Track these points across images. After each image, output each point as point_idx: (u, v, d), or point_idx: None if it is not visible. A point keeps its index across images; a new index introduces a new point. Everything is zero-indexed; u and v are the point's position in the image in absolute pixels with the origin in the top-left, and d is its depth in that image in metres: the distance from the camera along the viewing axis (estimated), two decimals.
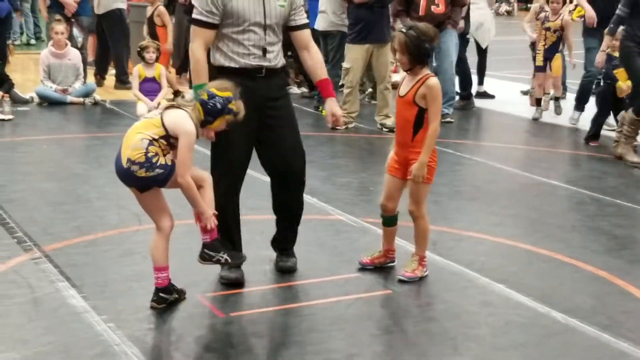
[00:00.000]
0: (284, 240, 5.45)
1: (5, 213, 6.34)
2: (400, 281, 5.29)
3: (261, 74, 5.03)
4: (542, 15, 11.32)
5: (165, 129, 4.54)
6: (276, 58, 5.09)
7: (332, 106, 5.25)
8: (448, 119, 11.06)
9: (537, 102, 11.66)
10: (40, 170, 7.94)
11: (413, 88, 5.17)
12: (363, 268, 5.43)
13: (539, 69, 11.51)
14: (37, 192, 7.08)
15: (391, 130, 10.13)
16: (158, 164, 4.53)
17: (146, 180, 4.56)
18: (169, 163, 4.56)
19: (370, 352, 4.37)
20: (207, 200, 4.71)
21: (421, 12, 10.70)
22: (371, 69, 10.79)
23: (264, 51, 5.01)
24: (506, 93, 13.76)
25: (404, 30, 5.12)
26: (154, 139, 4.53)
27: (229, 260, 4.78)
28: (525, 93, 13.33)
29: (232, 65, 4.99)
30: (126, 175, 4.58)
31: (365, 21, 10.11)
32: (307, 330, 4.59)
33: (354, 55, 10.29)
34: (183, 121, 4.55)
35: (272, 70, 5.08)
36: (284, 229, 5.44)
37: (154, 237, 4.75)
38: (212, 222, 4.71)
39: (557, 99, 11.81)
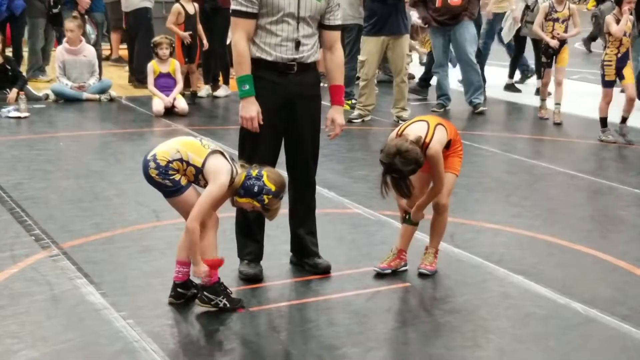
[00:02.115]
0: (310, 245, 5.36)
1: (23, 211, 6.35)
2: (422, 275, 5.27)
3: (293, 71, 5.01)
4: (609, 17, 9.50)
5: (203, 166, 4.52)
6: (309, 51, 5.04)
7: (335, 114, 5.19)
8: (481, 109, 11.06)
9: (604, 123, 9.68)
10: (58, 167, 7.95)
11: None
12: (382, 274, 5.26)
13: (608, 84, 9.58)
14: (54, 189, 7.10)
15: None
16: (171, 177, 4.51)
17: (154, 182, 4.56)
18: (183, 183, 4.54)
19: (390, 346, 4.37)
20: (206, 243, 4.61)
21: (438, 4, 10.73)
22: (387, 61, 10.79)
23: (297, 44, 4.98)
24: (522, 84, 13.69)
25: (394, 176, 4.89)
26: (187, 162, 4.52)
27: (228, 305, 4.66)
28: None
29: (265, 57, 4.96)
30: (143, 166, 4.58)
31: (380, 14, 10.08)
32: (326, 324, 4.58)
33: (369, 47, 10.26)
34: (222, 174, 4.50)
35: (305, 66, 5.04)
36: (303, 235, 5.35)
37: (184, 232, 4.73)
38: (204, 277, 4.61)
39: (624, 121, 9.65)
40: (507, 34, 12.66)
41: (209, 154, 4.55)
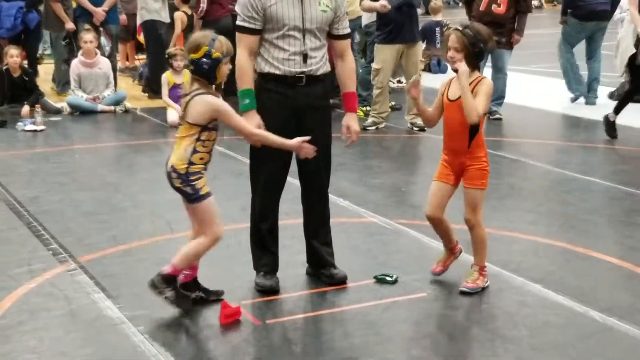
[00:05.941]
0: (326, 255, 5.34)
1: (40, 225, 6.38)
2: (463, 293, 5.12)
3: (302, 82, 5.03)
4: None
5: (197, 124, 4.61)
6: (318, 64, 5.06)
7: (350, 120, 5.21)
8: (497, 116, 11.10)
9: None
10: (74, 180, 7.99)
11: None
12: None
13: None
14: (71, 202, 7.13)
15: (421, 129, 10.10)
16: (192, 184, 4.63)
17: (179, 190, 4.68)
18: (203, 193, 4.65)
19: (407, 357, 4.35)
20: (191, 248, 4.75)
21: (481, 7, 10.80)
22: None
23: (305, 57, 5.00)
24: (537, 87, 13.66)
25: (459, 28, 5.00)
26: (199, 139, 4.61)
27: (171, 300, 4.72)
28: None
29: (273, 71, 5.00)
30: (168, 178, 4.73)
31: (394, 22, 10.08)
32: (342, 336, 4.58)
33: (383, 55, 10.25)
34: (206, 106, 4.60)
35: (314, 78, 5.06)
36: (317, 246, 5.34)
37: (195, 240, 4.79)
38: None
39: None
40: (620, 65, 10.80)
41: (186, 121, 4.65)
